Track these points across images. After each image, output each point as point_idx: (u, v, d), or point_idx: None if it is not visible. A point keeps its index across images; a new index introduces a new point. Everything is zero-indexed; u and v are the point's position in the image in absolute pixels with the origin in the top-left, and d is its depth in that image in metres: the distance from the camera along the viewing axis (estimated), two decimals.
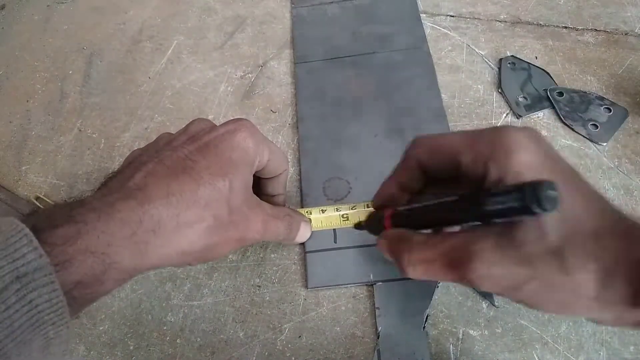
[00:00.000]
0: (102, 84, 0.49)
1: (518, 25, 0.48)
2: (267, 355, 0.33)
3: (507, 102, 0.42)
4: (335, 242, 0.36)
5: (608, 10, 0.48)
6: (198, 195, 0.24)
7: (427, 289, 0.33)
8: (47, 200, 0.41)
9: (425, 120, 0.41)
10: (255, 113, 0.45)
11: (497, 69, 0.45)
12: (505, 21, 0.48)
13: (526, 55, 0.45)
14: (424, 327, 0.32)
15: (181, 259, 0.24)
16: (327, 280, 0.34)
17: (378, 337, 0.32)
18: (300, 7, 0.52)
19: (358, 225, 0.32)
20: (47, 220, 0.20)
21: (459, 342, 0.32)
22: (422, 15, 0.49)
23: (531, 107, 0.42)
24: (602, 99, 0.41)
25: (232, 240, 0.26)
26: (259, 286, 0.35)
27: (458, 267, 0.20)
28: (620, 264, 0.18)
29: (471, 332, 0.32)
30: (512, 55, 0.45)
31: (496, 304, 0.33)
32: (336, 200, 0.38)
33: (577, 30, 0.47)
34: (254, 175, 0.29)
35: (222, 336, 0.34)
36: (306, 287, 0.34)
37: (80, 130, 0.46)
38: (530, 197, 0.16)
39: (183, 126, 0.28)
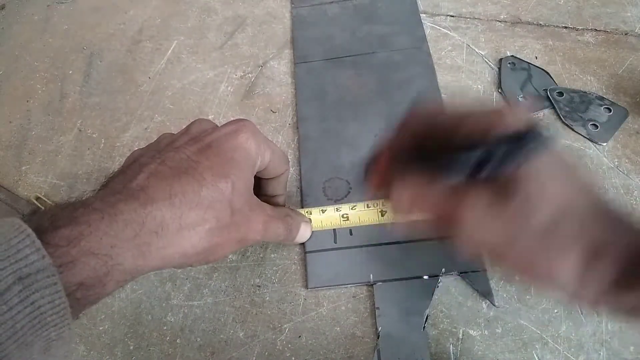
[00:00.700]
0: (102, 84, 0.49)
1: (518, 25, 0.48)
2: (267, 355, 0.33)
3: (507, 102, 0.42)
4: (335, 242, 0.36)
5: (608, 10, 0.48)
6: (201, 196, 0.24)
7: (427, 289, 0.34)
8: (47, 200, 0.41)
9: None
10: (255, 113, 0.45)
11: (497, 69, 0.45)
12: (505, 21, 0.48)
13: (526, 55, 0.45)
14: (424, 327, 0.32)
15: (183, 261, 0.24)
16: (327, 280, 0.34)
17: (378, 337, 0.32)
18: (300, 7, 0.52)
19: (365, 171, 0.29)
20: (50, 221, 0.20)
21: (459, 342, 0.32)
22: (422, 15, 0.49)
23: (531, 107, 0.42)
24: (602, 99, 0.41)
25: (233, 241, 0.26)
26: (259, 286, 0.35)
27: (449, 211, 0.21)
28: (605, 248, 0.19)
29: (471, 332, 0.32)
30: (512, 55, 0.45)
31: (496, 303, 0.33)
32: (336, 200, 0.38)
33: (577, 30, 0.47)
34: (255, 176, 0.29)
35: (222, 336, 0.34)
36: (306, 287, 0.34)
37: (80, 130, 0.46)
38: (530, 134, 0.19)
39: (183, 126, 0.28)
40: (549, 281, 0.20)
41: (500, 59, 0.45)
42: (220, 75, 0.48)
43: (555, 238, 0.19)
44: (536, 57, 0.45)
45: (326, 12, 0.51)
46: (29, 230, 0.19)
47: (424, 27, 0.48)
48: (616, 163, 0.38)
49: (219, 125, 0.28)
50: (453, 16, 0.49)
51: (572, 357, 0.31)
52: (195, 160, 0.25)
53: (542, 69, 0.44)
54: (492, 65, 0.45)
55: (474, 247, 0.21)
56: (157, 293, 0.36)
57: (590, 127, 0.40)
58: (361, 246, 0.35)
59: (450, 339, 0.32)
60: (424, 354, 0.31)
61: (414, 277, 0.34)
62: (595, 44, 0.46)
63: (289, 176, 0.38)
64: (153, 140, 0.29)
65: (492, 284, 0.33)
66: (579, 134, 0.40)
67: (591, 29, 0.47)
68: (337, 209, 0.34)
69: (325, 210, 0.34)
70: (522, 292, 0.33)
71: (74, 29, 0.55)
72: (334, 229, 0.36)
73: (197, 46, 0.51)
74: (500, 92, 0.43)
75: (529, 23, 0.48)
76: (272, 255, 0.36)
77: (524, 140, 0.19)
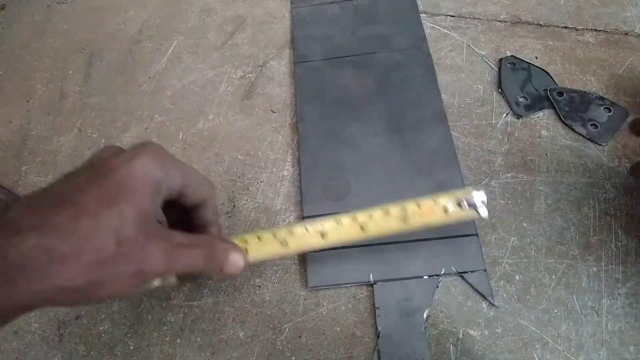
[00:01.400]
0: (102, 84, 0.49)
1: (518, 25, 0.48)
2: (267, 355, 0.33)
3: (507, 102, 0.42)
4: None
5: (608, 10, 0.48)
6: (77, 226, 0.22)
7: (427, 289, 0.34)
8: None
9: (425, 119, 0.41)
10: (255, 113, 0.45)
11: (497, 69, 0.45)
12: (505, 21, 0.48)
13: (526, 55, 0.45)
14: (424, 327, 0.32)
15: (63, 297, 0.22)
16: (326, 280, 0.34)
17: (378, 337, 0.32)
18: (300, 7, 0.52)
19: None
20: None
21: (459, 342, 0.32)
22: (422, 15, 0.49)
23: (531, 107, 0.42)
24: (602, 99, 0.41)
25: (125, 275, 0.24)
26: (259, 286, 0.35)
27: None
28: None
29: (471, 332, 0.32)
30: (512, 55, 0.45)
31: (496, 303, 0.33)
32: (336, 199, 0.38)
33: (577, 30, 0.47)
34: (184, 206, 0.28)
35: (222, 336, 0.34)
36: (306, 287, 0.34)
37: (80, 130, 0.46)
38: None
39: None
40: None
41: (500, 59, 0.45)
42: (220, 75, 0.48)
43: None
44: (536, 57, 0.45)
45: (326, 12, 0.51)
46: None
47: (424, 27, 0.48)
48: (616, 163, 0.38)
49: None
50: (453, 16, 0.49)
51: (572, 357, 0.31)
52: (82, 188, 0.23)
53: (542, 69, 0.44)
54: (492, 65, 0.45)
55: None
56: (157, 293, 0.36)
57: (590, 127, 0.40)
58: (361, 246, 0.35)
59: (451, 339, 0.32)
60: (424, 354, 0.31)
61: (414, 277, 0.34)
62: (595, 44, 0.46)
63: (218, 203, 0.35)
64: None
65: (492, 283, 0.33)
66: (579, 134, 0.40)
67: (591, 29, 0.47)
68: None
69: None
70: (522, 292, 0.33)
71: (74, 29, 0.55)
72: None
73: (197, 46, 0.51)
74: (500, 92, 0.43)
75: (529, 23, 0.48)
76: None
77: None
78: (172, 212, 0.28)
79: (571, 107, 0.41)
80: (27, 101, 0.49)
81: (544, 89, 0.43)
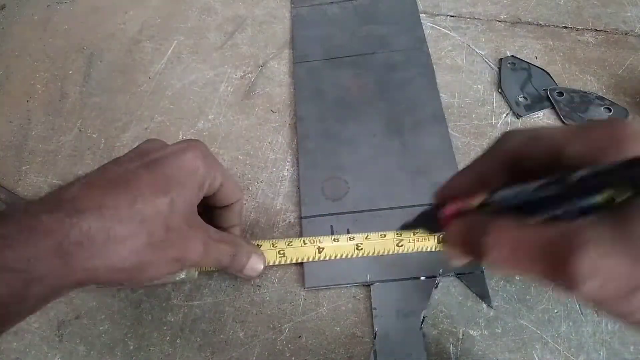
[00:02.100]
0: (102, 84, 0.49)
1: (518, 25, 0.48)
2: (267, 355, 0.33)
3: (507, 102, 0.42)
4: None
5: (608, 10, 0.48)
6: (134, 210, 0.23)
7: (424, 290, 0.33)
8: None
9: (424, 120, 0.41)
10: (255, 113, 0.45)
11: (497, 69, 0.45)
12: (505, 21, 0.48)
13: (526, 55, 0.45)
14: (421, 328, 0.32)
15: (111, 276, 0.24)
16: (324, 280, 0.34)
17: (375, 338, 0.32)
18: (300, 7, 0.52)
19: (406, 227, 0.26)
20: None
21: (459, 342, 0.32)
22: (422, 16, 0.49)
23: (531, 107, 0.42)
24: (602, 99, 0.41)
25: (168, 260, 0.25)
26: (259, 286, 0.35)
27: (557, 257, 0.15)
28: None
29: (471, 332, 0.32)
30: (512, 55, 0.45)
31: (493, 304, 0.33)
32: (334, 199, 0.38)
33: (577, 30, 0.47)
34: (209, 206, 0.29)
35: (222, 336, 0.34)
36: (303, 286, 0.35)
37: (80, 130, 0.46)
38: None
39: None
40: None
41: (500, 59, 0.45)
42: (220, 75, 0.48)
43: None
44: (536, 57, 0.45)
45: (326, 12, 0.51)
46: None
47: (424, 27, 0.48)
48: None
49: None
50: (453, 16, 0.49)
51: (572, 357, 0.31)
52: (136, 174, 0.24)
53: (542, 69, 0.44)
54: (492, 65, 0.45)
55: (591, 291, 0.15)
56: (157, 293, 0.36)
57: None
58: None
59: (450, 339, 0.32)
60: (420, 355, 0.31)
61: (411, 278, 0.34)
62: (595, 44, 0.46)
63: (243, 205, 0.36)
64: None
65: (492, 284, 0.33)
66: None
67: (591, 29, 0.47)
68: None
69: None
70: (522, 292, 0.33)
71: (74, 29, 0.55)
72: (331, 225, 0.36)
73: (197, 46, 0.51)
74: (500, 92, 0.43)
75: (529, 23, 0.48)
76: None
77: None
78: (200, 209, 0.29)
79: (571, 107, 0.41)
80: (27, 101, 0.49)
81: (544, 89, 0.43)
